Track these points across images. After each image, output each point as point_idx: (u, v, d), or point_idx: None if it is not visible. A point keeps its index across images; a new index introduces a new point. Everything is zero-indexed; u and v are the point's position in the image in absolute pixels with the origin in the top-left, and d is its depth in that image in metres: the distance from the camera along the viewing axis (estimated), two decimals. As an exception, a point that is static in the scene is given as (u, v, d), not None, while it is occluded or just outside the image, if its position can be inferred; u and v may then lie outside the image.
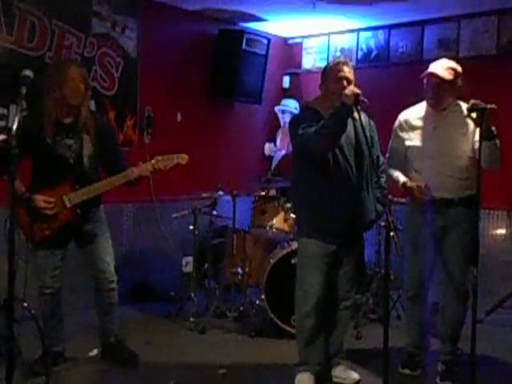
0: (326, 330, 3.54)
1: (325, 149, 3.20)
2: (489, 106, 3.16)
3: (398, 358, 3.71)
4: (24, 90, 2.82)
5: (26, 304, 2.80)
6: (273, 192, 5.14)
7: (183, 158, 3.65)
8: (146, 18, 5.42)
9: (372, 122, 3.56)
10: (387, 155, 3.75)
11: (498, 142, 3.34)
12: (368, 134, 3.26)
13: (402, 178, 3.61)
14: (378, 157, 3.56)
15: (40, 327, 2.95)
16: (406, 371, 3.68)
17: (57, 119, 3.48)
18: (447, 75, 3.39)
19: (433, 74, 3.41)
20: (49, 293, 3.57)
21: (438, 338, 3.77)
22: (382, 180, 3.51)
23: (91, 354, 3.91)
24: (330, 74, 3.35)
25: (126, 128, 5.33)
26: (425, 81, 3.50)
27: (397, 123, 3.69)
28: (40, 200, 3.42)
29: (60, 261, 3.62)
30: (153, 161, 3.57)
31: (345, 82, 3.27)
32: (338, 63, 3.38)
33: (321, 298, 3.40)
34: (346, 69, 3.32)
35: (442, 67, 3.43)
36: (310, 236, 3.41)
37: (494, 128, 3.24)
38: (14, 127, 2.73)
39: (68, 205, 3.48)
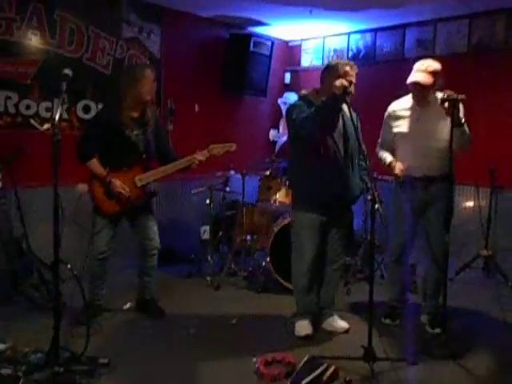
0: (318, 285, 3.57)
1: (313, 131, 3.13)
2: (459, 96, 3.13)
3: (381, 310, 3.71)
4: (64, 86, 2.82)
5: (69, 266, 2.81)
6: (276, 171, 5.10)
7: (232, 146, 3.78)
8: (168, 24, 5.38)
9: (355, 114, 3.43)
10: (379, 140, 3.71)
11: (466, 128, 3.30)
12: (355, 124, 3.24)
13: (388, 158, 3.59)
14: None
15: (81, 285, 2.97)
16: (388, 321, 3.70)
17: (130, 113, 3.55)
18: (428, 81, 3.32)
19: (416, 83, 3.35)
20: (102, 258, 3.62)
21: (421, 295, 3.77)
22: (363, 163, 3.46)
23: (125, 307, 3.94)
24: (334, 71, 3.23)
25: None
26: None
27: (386, 113, 3.66)
28: (119, 186, 3.48)
29: (115, 232, 3.67)
30: (208, 148, 3.71)
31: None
32: (343, 63, 3.28)
33: (314, 260, 3.42)
34: (348, 68, 3.23)
35: (426, 72, 3.34)
36: (303, 209, 3.40)
37: (461, 115, 3.19)
38: (57, 117, 2.74)
39: (139, 184, 3.57)
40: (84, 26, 4.70)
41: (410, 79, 3.39)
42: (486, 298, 4.23)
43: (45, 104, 4.48)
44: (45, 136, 4.25)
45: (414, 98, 3.50)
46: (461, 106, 3.22)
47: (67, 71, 2.83)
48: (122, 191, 3.50)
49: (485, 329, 3.67)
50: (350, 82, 3.14)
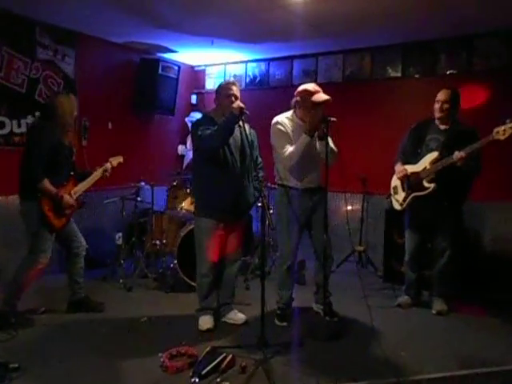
0: (219, 283, 3.55)
1: (216, 146, 3.18)
2: (332, 119, 3.19)
3: (273, 314, 3.60)
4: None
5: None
6: (182, 182, 5.04)
7: (120, 157, 3.94)
8: (82, 48, 5.14)
9: (253, 131, 3.54)
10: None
11: (332, 145, 3.38)
12: (250, 139, 3.27)
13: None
14: (257, 157, 3.56)
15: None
16: (278, 323, 3.58)
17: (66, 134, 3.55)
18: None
19: (327, 100, 3.29)
20: (41, 268, 3.45)
21: (314, 287, 3.77)
22: (260, 174, 3.49)
23: (40, 310, 3.70)
24: (223, 91, 3.32)
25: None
26: (296, 99, 3.39)
27: (279, 125, 3.42)
28: (69, 200, 3.45)
29: None
30: (110, 160, 3.84)
31: (233, 98, 3.25)
32: (228, 83, 3.34)
33: (214, 262, 3.40)
34: (234, 88, 3.30)
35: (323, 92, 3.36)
36: (204, 215, 3.36)
37: (325, 131, 3.21)
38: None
39: (74, 197, 3.51)
40: (-3, 47, 4.37)
41: (324, 97, 3.30)
42: (359, 286, 4.37)
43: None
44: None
45: (304, 115, 3.36)
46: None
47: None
48: (74, 204, 3.49)
49: (358, 312, 3.76)
50: (234, 96, 3.25)
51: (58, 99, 3.53)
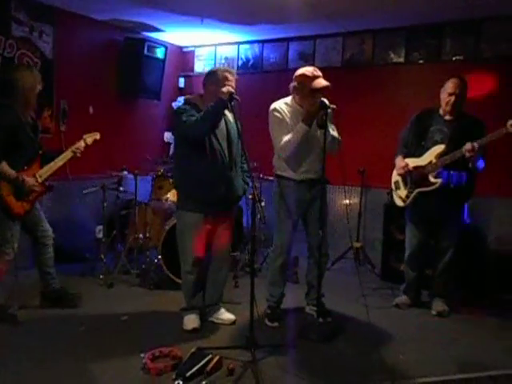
0: (205, 281, 3.55)
1: (203, 133, 3.15)
2: (332, 106, 3.21)
3: (263, 312, 3.59)
4: None
5: None
6: (168, 171, 5.02)
7: (97, 135, 3.82)
8: (61, 25, 5.09)
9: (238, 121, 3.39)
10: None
11: (334, 132, 3.38)
12: (238, 127, 3.25)
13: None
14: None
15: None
16: (269, 323, 3.59)
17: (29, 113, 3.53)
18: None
19: (326, 87, 3.28)
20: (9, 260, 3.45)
21: (306, 287, 3.78)
22: (245, 166, 3.47)
23: (10, 310, 3.59)
24: (214, 77, 3.23)
25: (43, 118, 4.94)
26: (293, 84, 3.38)
27: (276, 113, 3.43)
28: (32, 183, 3.40)
29: None
30: (84, 137, 3.73)
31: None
32: (223, 70, 3.27)
33: (199, 259, 3.38)
34: (229, 76, 3.22)
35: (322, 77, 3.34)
36: (188, 209, 3.33)
37: (324, 119, 3.22)
38: None
39: (40, 180, 3.45)
40: (-33, 22, 4.31)
41: (324, 83, 3.29)
42: (356, 285, 4.33)
43: None
44: None
45: (302, 102, 3.37)
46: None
47: None
48: (36, 188, 3.42)
49: (353, 313, 3.84)
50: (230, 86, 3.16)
51: (18, 72, 3.45)
